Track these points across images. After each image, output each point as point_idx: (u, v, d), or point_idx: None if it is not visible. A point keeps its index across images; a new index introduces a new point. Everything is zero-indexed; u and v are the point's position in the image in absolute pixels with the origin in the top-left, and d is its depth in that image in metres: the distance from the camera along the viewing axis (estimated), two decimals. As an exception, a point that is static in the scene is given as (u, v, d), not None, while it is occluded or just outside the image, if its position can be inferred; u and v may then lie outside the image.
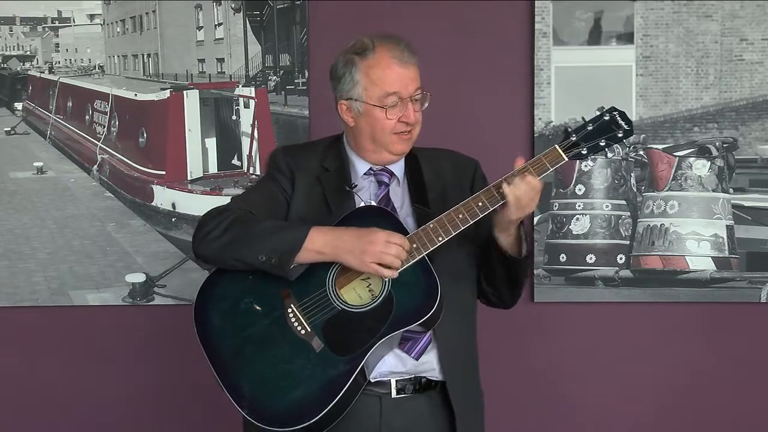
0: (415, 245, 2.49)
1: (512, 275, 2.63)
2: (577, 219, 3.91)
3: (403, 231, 2.51)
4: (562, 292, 3.92)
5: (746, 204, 3.89)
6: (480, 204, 2.50)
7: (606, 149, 2.54)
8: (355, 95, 2.60)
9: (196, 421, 3.93)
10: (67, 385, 3.96)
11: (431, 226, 2.50)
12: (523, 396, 3.91)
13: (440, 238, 2.49)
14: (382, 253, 2.44)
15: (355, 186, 2.63)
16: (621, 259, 3.91)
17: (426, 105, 2.64)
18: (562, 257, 3.91)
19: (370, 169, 2.66)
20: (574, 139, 2.52)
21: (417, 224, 2.56)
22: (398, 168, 2.67)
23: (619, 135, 2.53)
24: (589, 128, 2.52)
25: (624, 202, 3.91)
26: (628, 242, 3.91)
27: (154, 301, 3.96)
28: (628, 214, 3.90)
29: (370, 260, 2.45)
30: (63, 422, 3.97)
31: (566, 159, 2.51)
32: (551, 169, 2.51)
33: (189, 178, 3.97)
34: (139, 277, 3.95)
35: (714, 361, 3.91)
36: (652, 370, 3.91)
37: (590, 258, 3.91)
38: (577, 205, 3.90)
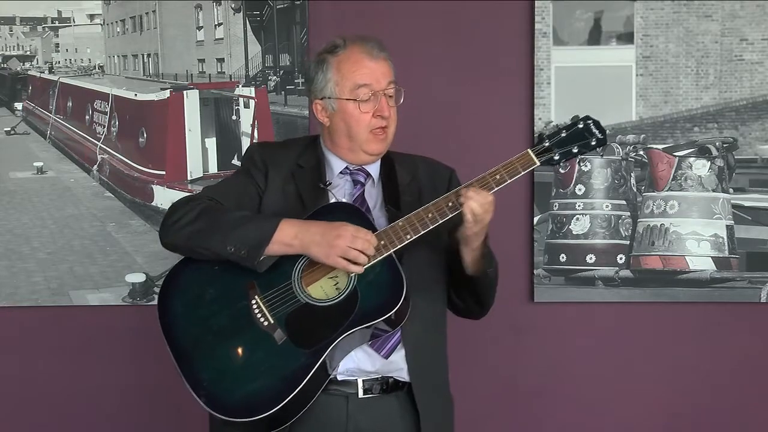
0: (383, 242, 2.49)
1: (475, 291, 2.65)
2: (577, 219, 3.90)
3: (372, 229, 2.51)
4: (562, 292, 3.92)
5: (746, 204, 3.89)
6: (450, 204, 2.51)
7: (579, 155, 2.58)
8: (327, 93, 2.62)
9: (196, 420, 3.91)
10: (67, 385, 3.96)
11: (400, 224, 2.51)
12: (523, 395, 3.91)
13: (408, 236, 2.50)
14: (349, 248, 2.45)
15: (330, 183, 2.64)
16: (621, 259, 3.91)
17: (401, 101, 2.65)
18: (562, 257, 3.91)
19: (347, 167, 2.67)
20: (547, 144, 2.56)
21: (388, 225, 2.56)
22: (374, 169, 2.68)
23: (592, 143, 2.58)
24: (563, 135, 2.57)
25: (624, 202, 3.90)
26: (628, 242, 3.91)
27: (154, 301, 3.94)
28: (628, 214, 3.90)
29: (336, 254, 2.46)
30: (63, 422, 3.96)
31: (538, 163, 2.55)
32: (523, 173, 2.54)
33: (189, 178, 3.97)
34: (139, 277, 3.95)
35: (714, 361, 3.91)
36: (652, 370, 3.91)
37: (590, 258, 3.91)
38: (577, 205, 3.90)
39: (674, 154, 3.89)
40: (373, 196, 2.66)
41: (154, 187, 3.98)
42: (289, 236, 2.49)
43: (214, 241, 2.52)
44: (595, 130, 2.57)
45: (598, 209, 3.91)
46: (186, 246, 2.58)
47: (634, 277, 3.91)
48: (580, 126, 2.57)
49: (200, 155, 3.98)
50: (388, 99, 2.62)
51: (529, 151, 2.55)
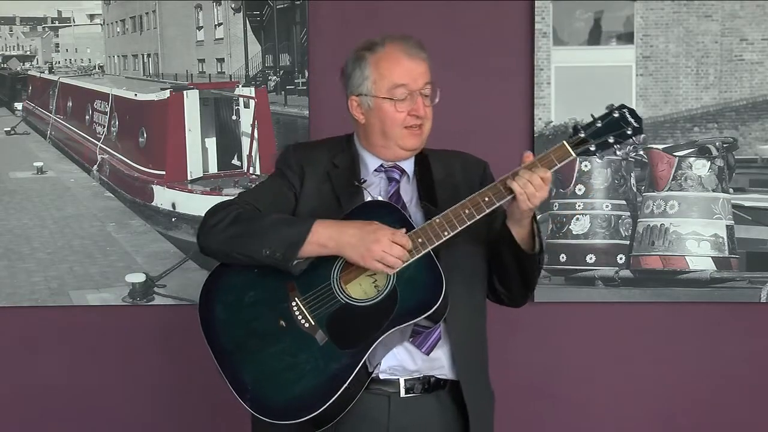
0: (420, 240, 2.49)
1: (523, 272, 2.62)
2: (577, 219, 3.91)
3: (409, 227, 2.51)
4: (562, 292, 3.92)
5: (746, 204, 3.89)
6: (486, 199, 2.50)
7: (615, 146, 2.52)
8: (364, 90, 2.61)
9: (197, 421, 3.93)
10: (67, 385, 3.96)
11: (437, 220, 2.50)
12: (523, 396, 3.91)
13: (446, 233, 2.49)
14: (385, 254, 2.45)
15: (365, 181, 2.64)
16: (621, 259, 3.91)
17: (436, 100, 2.65)
18: (562, 257, 3.91)
19: (381, 165, 2.66)
20: (582, 135, 2.51)
21: (424, 222, 2.55)
22: (409, 165, 2.68)
23: (628, 132, 2.51)
24: (598, 125, 2.51)
25: (624, 202, 3.91)
26: (628, 242, 3.91)
27: (154, 301, 3.96)
28: (628, 214, 3.91)
29: (372, 258, 2.46)
30: (63, 422, 3.96)
31: (574, 155, 2.51)
32: (559, 165, 2.50)
33: (189, 178, 3.97)
34: (139, 277, 3.96)
35: (714, 361, 3.91)
36: (652, 370, 3.91)
37: (590, 258, 3.91)
38: (577, 205, 3.90)
39: (674, 154, 3.89)
40: (408, 192, 2.66)
41: (154, 187, 3.98)
42: (324, 237, 2.49)
43: (249, 246, 2.52)
44: (630, 119, 2.51)
45: (598, 209, 3.91)
46: (222, 251, 2.57)
47: (634, 277, 3.91)
48: (616, 115, 2.51)
49: (200, 155, 3.98)
50: (424, 98, 2.62)
51: (565, 143, 2.50)
